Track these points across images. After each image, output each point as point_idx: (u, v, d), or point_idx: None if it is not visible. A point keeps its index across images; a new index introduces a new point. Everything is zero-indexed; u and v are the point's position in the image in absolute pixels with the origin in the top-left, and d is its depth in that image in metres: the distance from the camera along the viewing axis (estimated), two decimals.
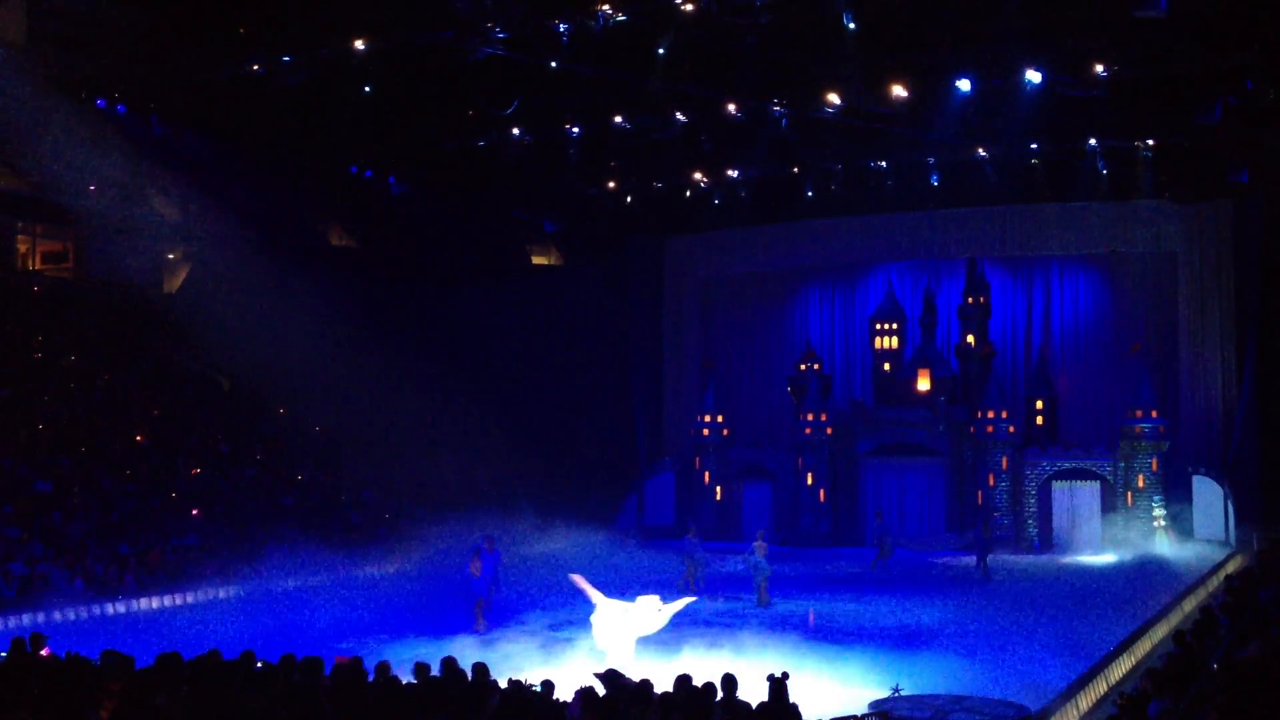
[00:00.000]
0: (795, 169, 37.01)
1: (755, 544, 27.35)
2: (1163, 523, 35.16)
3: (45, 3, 30.34)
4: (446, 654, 12.67)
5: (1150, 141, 32.53)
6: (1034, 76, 27.00)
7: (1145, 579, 28.79)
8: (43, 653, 13.12)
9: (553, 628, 23.85)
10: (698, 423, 41.05)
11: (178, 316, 41.55)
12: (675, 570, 29.91)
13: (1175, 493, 35.58)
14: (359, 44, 27.26)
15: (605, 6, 25.12)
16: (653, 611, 19.19)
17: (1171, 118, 30.45)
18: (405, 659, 14.13)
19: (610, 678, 11.01)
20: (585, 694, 10.74)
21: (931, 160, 35.28)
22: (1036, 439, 38.04)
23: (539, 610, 25.80)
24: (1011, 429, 37.03)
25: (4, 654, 13.17)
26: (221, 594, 26.65)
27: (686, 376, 44.16)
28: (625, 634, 18.83)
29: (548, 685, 11.42)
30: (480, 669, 11.72)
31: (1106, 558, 33.93)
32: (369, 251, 45.31)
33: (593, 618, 19.27)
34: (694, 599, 20.40)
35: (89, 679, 11.53)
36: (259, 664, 12.07)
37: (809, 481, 39.12)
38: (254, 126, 33.58)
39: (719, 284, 44.96)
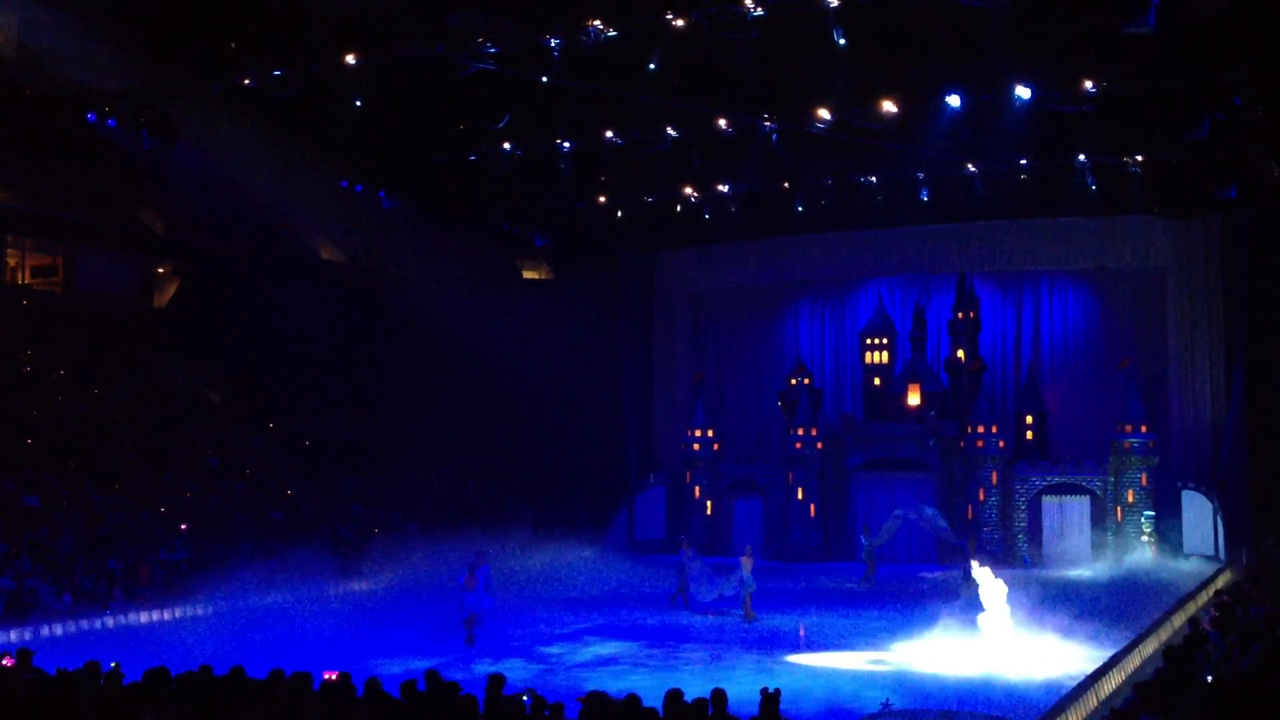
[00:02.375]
0: (786, 184, 37.01)
1: (742, 558, 27.35)
2: (1149, 537, 35.18)
3: (36, 16, 30.29)
4: (435, 669, 12.63)
5: (1139, 157, 32.57)
6: (1023, 92, 27.07)
7: (1135, 594, 28.82)
8: (5, 662, 13.07)
9: (542, 643, 23.83)
10: (688, 437, 41.02)
11: (167, 331, 41.60)
12: (669, 583, 29.97)
13: (1165, 508, 35.62)
14: (350, 58, 27.24)
15: (596, 22, 25.15)
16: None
17: (1160, 133, 30.53)
18: (395, 675, 14.10)
19: (594, 699, 10.96)
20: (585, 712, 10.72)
21: (921, 176, 35.30)
22: (1026, 454, 38.06)
23: (527, 625, 25.77)
24: (1001, 444, 37.06)
25: None
26: (210, 609, 26.55)
27: (677, 391, 44.12)
28: (1000, 601, 22.89)
29: (539, 700, 11.39)
30: (497, 681, 11.69)
31: (1096, 572, 33.94)
32: (359, 266, 45.31)
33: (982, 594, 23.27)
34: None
35: (75, 695, 11.48)
36: (247, 680, 12.03)
37: (799, 496, 39.11)
38: (244, 140, 33.55)
39: (709, 298, 44.97)
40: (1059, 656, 21.56)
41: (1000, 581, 23.56)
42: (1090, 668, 18.67)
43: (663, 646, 23.44)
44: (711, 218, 39.35)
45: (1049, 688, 18.34)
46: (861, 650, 23.05)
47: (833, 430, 39.53)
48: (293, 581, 28.39)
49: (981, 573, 24.06)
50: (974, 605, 23.57)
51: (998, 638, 22.53)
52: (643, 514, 41.56)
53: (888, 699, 16.08)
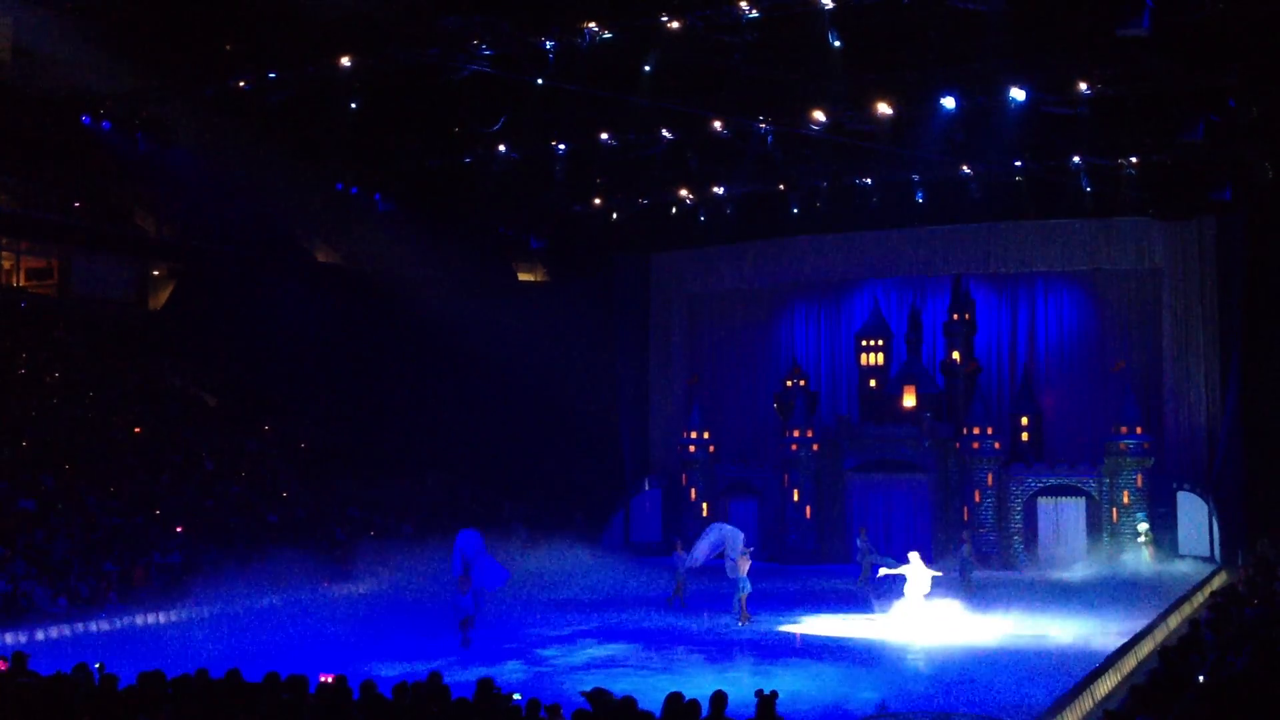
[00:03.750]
0: (781, 186, 37.06)
1: (739, 559, 27.34)
2: (1144, 538, 35.21)
3: (31, 19, 30.30)
4: (431, 672, 12.62)
5: (1134, 159, 32.60)
6: (1018, 94, 27.12)
7: (1130, 595, 28.85)
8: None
9: (538, 645, 23.82)
10: (684, 439, 41.01)
11: (162, 333, 41.57)
12: (665, 586, 29.97)
13: (1160, 509, 35.64)
14: (345, 61, 27.26)
15: (591, 24, 25.18)
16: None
17: (1155, 135, 30.58)
18: (390, 677, 14.09)
19: (596, 696, 10.97)
20: (577, 713, 10.71)
21: (917, 178, 35.35)
22: (1022, 455, 38.04)
23: (523, 628, 25.76)
24: (997, 445, 37.03)
25: None
26: (206, 612, 26.54)
27: (673, 393, 44.12)
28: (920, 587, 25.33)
29: (533, 703, 11.39)
30: (485, 685, 11.68)
31: (1092, 573, 33.93)
32: (355, 268, 45.31)
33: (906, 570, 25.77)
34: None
35: (70, 699, 11.47)
36: (243, 682, 12.02)
37: (795, 498, 39.09)
38: (240, 143, 33.57)
39: (705, 300, 44.98)
40: (1055, 655, 21.66)
41: (931, 571, 25.87)
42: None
43: (659, 649, 23.43)
44: (707, 220, 39.39)
45: (1047, 686, 18.40)
46: (858, 650, 23.06)
47: (828, 432, 39.52)
48: (288, 584, 28.39)
49: (913, 558, 26.06)
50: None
51: (909, 616, 25.05)
52: (639, 516, 41.57)
53: (884, 700, 16.09)
